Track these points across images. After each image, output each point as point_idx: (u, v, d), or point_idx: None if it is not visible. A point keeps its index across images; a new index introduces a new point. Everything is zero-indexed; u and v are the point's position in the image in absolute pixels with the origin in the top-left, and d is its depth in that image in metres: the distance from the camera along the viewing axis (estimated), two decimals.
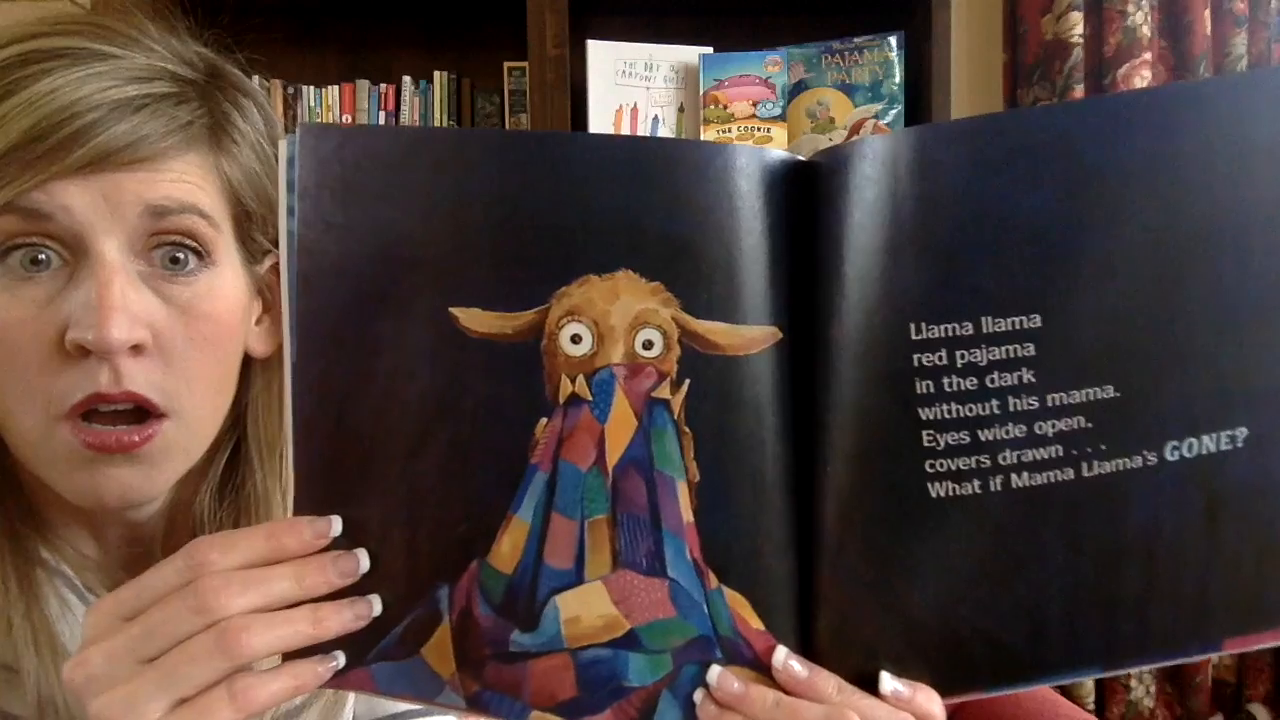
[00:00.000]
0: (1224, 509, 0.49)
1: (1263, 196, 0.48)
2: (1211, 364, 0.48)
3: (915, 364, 0.48)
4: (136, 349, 0.55)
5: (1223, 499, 0.49)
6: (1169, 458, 0.48)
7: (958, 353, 0.48)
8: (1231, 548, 0.50)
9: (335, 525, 0.49)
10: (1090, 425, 0.48)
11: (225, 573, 0.46)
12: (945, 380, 0.48)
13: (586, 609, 0.50)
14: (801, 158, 0.52)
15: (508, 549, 0.50)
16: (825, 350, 0.50)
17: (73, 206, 0.54)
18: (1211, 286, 0.48)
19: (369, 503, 0.50)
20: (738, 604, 0.51)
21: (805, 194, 0.51)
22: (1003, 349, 0.47)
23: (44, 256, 0.55)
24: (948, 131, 0.49)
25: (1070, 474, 0.48)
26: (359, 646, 0.50)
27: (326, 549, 0.49)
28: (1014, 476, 0.48)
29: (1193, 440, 0.48)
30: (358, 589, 0.49)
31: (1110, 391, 0.48)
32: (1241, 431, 0.48)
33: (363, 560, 0.49)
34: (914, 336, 0.48)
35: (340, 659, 0.49)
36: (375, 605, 0.49)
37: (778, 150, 0.52)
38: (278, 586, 0.47)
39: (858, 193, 0.49)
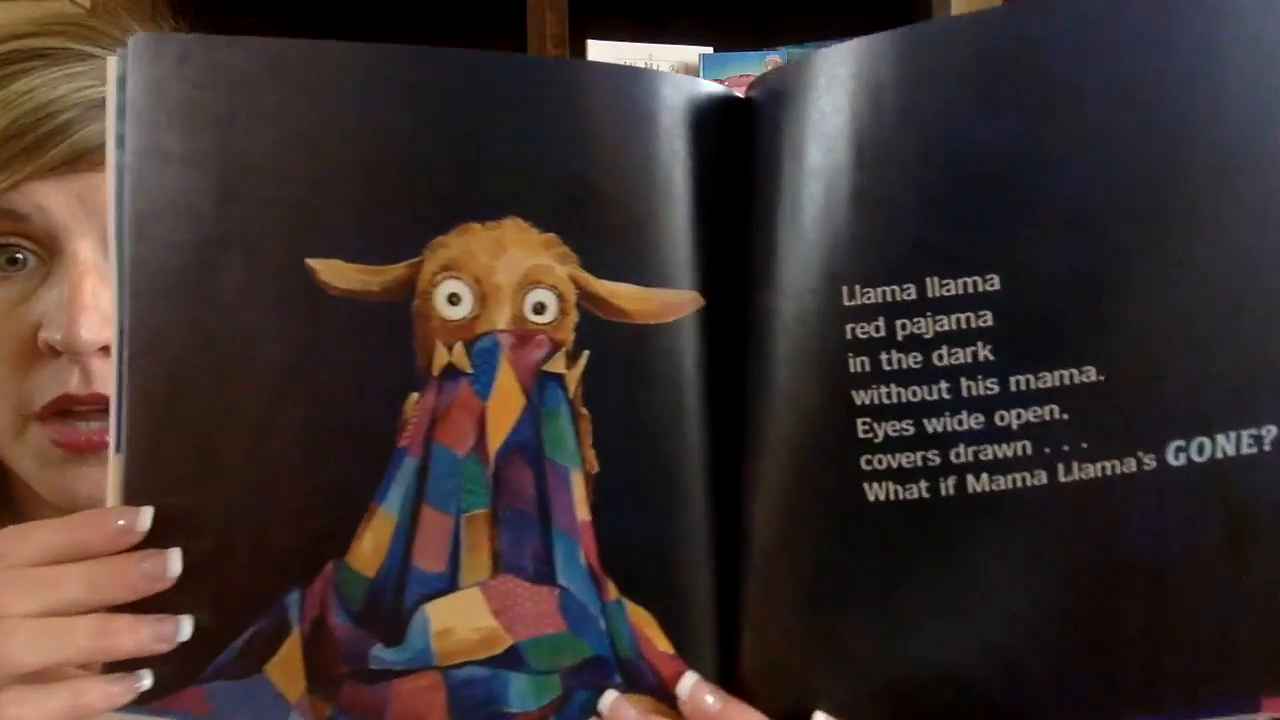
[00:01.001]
0: (1249, 527, 0.38)
1: None
2: (1227, 341, 0.36)
3: (848, 336, 0.38)
4: (108, 350, 0.51)
5: (1246, 515, 0.38)
6: (1173, 461, 0.37)
7: (898, 322, 0.37)
8: (1261, 576, 0.39)
9: (144, 517, 0.41)
10: (1066, 417, 0.37)
11: (11, 570, 0.39)
12: (883, 356, 0.38)
13: (461, 620, 0.42)
14: (739, 94, 0.43)
15: (370, 547, 0.42)
16: (755, 321, 0.41)
17: (48, 207, 0.53)
18: (1224, 239, 0.36)
19: (209, 490, 0.41)
20: (641, 621, 0.42)
21: (741, 135, 0.43)
22: (953, 318, 0.37)
23: (21, 256, 0.55)
24: (889, 44, 0.38)
25: (1043, 478, 0.37)
26: (192, 661, 0.41)
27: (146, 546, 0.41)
28: (970, 479, 0.37)
29: (1204, 440, 0.37)
30: (187, 594, 0.41)
31: (1091, 374, 0.36)
32: (1270, 431, 0.37)
33: (173, 562, 0.40)
34: (847, 303, 0.38)
35: (145, 680, 0.40)
36: (184, 627, 0.40)
37: (711, 83, 0.44)
38: (67, 589, 0.39)
39: (791, 127, 0.40)
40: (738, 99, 0.43)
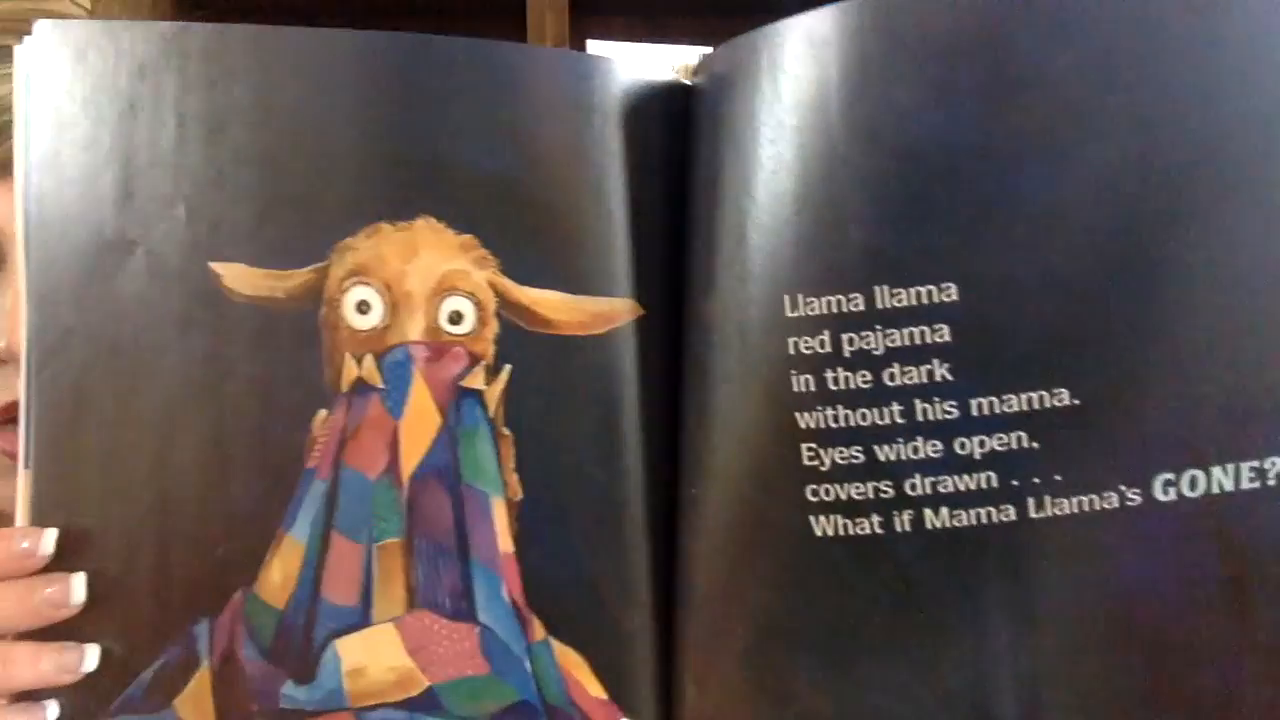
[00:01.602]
0: (1251, 573, 0.33)
1: None
2: (1221, 360, 0.31)
3: (791, 351, 0.34)
4: None
5: (1249, 559, 0.33)
6: (1160, 497, 0.32)
7: (844, 336, 0.32)
8: (1267, 629, 0.34)
9: (48, 540, 0.37)
10: (1036, 445, 0.32)
11: None
12: (829, 374, 0.33)
13: (374, 658, 0.38)
14: (687, 81, 0.39)
15: (278, 577, 0.38)
16: (694, 334, 0.37)
17: None
18: (1218, 244, 0.31)
19: (114, 511, 0.37)
20: (571, 663, 0.38)
21: (683, 126, 0.38)
22: (905, 333, 0.32)
23: None
24: (833, 20, 0.34)
25: (1011, 514, 0.32)
26: (100, 692, 0.37)
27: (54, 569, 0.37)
28: (928, 513, 0.33)
29: (1196, 474, 0.32)
30: (95, 621, 0.37)
31: (1064, 398, 0.31)
32: (1275, 464, 0.33)
33: (76, 588, 0.37)
34: (789, 313, 0.33)
35: (51, 711, 0.37)
36: (89, 657, 0.37)
37: (652, 67, 0.39)
38: None
39: (732, 116, 0.35)
40: (681, 85, 0.38)
